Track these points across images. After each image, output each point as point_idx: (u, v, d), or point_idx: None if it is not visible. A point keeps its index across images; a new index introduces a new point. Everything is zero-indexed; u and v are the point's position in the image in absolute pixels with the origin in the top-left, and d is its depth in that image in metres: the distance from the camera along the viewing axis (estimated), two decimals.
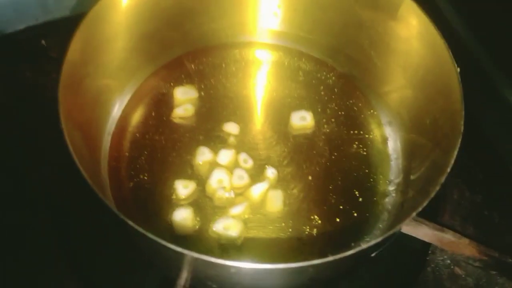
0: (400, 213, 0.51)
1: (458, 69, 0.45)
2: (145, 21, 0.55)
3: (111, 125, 0.56)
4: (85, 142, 0.47)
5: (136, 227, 0.36)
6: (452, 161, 0.40)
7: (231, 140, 0.57)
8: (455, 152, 0.40)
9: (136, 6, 0.52)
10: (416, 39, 0.51)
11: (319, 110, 0.60)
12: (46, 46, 0.66)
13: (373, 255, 0.42)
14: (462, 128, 0.42)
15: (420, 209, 0.38)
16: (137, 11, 0.53)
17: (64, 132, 0.41)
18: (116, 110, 0.57)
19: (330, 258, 0.34)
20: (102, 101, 0.54)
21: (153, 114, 0.58)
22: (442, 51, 0.46)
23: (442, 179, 0.39)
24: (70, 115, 0.43)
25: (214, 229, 0.50)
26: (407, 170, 0.54)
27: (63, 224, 0.52)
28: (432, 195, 0.38)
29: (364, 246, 0.36)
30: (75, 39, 0.45)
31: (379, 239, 0.37)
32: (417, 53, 0.51)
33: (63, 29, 0.66)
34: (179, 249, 0.36)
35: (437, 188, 0.39)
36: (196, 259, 0.36)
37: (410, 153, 0.54)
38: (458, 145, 0.41)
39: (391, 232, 0.38)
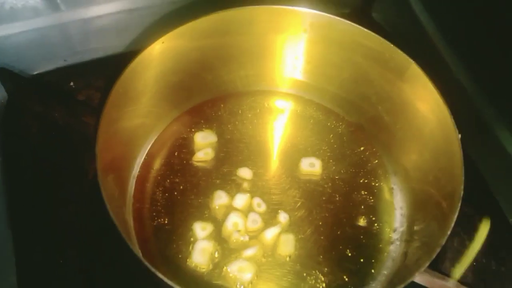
0: (404, 262, 0.54)
1: (459, 136, 0.48)
2: (171, 73, 0.59)
3: (136, 168, 0.60)
4: (114, 185, 0.51)
5: (161, 276, 0.39)
6: (451, 226, 0.43)
7: (245, 185, 0.61)
8: (454, 217, 0.44)
9: (166, 60, 0.57)
10: (421, 101, 0.55)
11: (329, 157, 0.64)
12: (74, 87, 0.70)
13: None
14: (462, 192, 0.45)
15: (426, 266, 0.41)
16: (165, 65, 0.57)
17: (98, 175, 0.45)
18: (141, 154, 0.61)
19: None
20: (130, 146, 0.58)
21: (174, 158, 0.62)
22: (445, 117, 0.50)
23: (443, 241, 0.42)
24: (103, 159, 0.47)
25: (228, 270, 0.53)
26: (411, 220, 0.57)
27: (89, 265, 0.55)
28: (433, 256, 0.42)
29: None
30: (113, 92, 0.49)
31: None
32: (422, 114, 0.55)
33: (90, 71, 0.72)
34: None
35: (438, 250, 0.42)
36: None
37: (414, 204, 0.58)
38: (457, 209, 0.44)
39: (406, 282, 0.41)
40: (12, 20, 0.73)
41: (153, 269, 0.39)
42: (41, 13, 0.74)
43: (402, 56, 0.54)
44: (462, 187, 0.45)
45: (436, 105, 0.51)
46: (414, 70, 0.53)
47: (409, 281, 0.44)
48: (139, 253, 0.41)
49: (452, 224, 0.43)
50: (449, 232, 0.43)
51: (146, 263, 0.39)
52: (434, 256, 0.44)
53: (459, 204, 0.45)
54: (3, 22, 0.72)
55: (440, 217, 0.49)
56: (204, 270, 0.53)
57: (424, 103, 0.54)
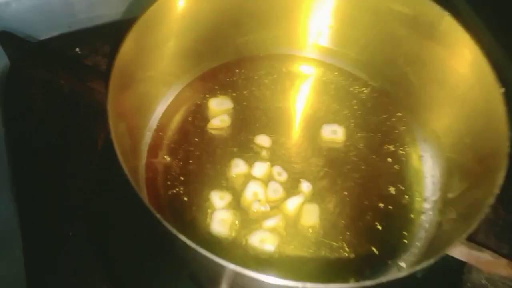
0: (438, 233, 0.50)
1: (503, 90, 0.44)
2: (182, 34, 0.55)
3: (148, 135, 0.56)
4: (128, 151, 0.47)
5: (179, 235, 0.36)
6: (499, 184, 0.39)
7: (264, 153, 0.57)
8: (502, 174, 0.40)
9: (175, 20, 0.53)
10: (456, 57, 0.50)
11: (352, 124, 0.60)
12: (80, 53, 0.67)
13: (419, 276, 0.42)
14: (508, 149, 0.41)
15: (467, 234, 0.38)
16: (175, 25, 0.54)
17: (113, 137, 0.41)
18: (153, 121, 0.57)
19: (383, 279, 0.34)
20: (140, 113, 0.54)
21: (188, 125, 0.58)
22: (485, 71, 0.46)
23: (491, 200, 0.39)
24: (116, 121, 0.43)
25: (250, 241, 0.50)
26: (444, 188, 0.53)
27: (101, 234, 0.52)
28: (482, 216, 0.38)
29: (417, 268, 0.36)
30: (124, 44, 0.46)
31: (431, 261, 0.36)
32: (456, 70, 0.51)
33: (95, 37, 0.69)
34: (220, 260, 0.36)
35: (486, 210, 0.38)
36: (236, 272, 0.36)
37: (447, 171, 0.54)
38: (505, 168, 0.40)
39: (441, 253, 0.37)
40: None
41: (174, 231, 0.35)
42: None
43: (434, 8, 0.50)
44: (508, 143, 0.41)
45: (474, 59, 0.47)
46: (449, 22, 0.49)
47: (445, 252, 0.40)
48: (161, 219, 0.37)
49: (498, 187, 0.39)
50: (497, 191, 0.39)
51: (166, 224, 0.35)
52: (474, 225, 0.40)
53: (506, 161, 0.41)
54: None
55: (480, 182, 0.45)
56: (224, 240, 0.50)
57: (459, 58, 0.50)
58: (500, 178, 0.40)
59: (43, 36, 0.68)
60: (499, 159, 0.41)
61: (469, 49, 0.48)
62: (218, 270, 0.38)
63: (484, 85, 0.47)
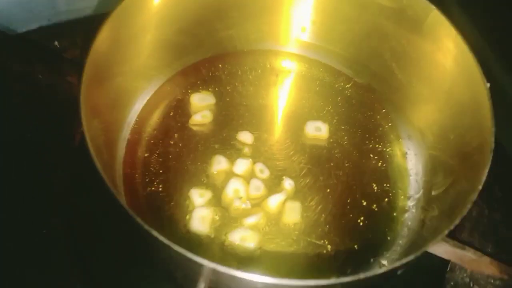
0: (421, 230, 0.50)
1: (488, 85, 0.44)
2: (162, 25, 0.54)
3: (126, 131, 0.55)
4: (103, 148, 0.46)
5: (154, 232, 0.35)
6: (483, 179, 0.39)
7: (246, 150, 0.56)
8: (486, 171, 0.39)
9: (155, 10, 0.52)
10: (442, 52, 0.50)
11: (336, 121, 0.60)
12: (59, 47, 0.65)
13: (399, 272, 0.41)
14: (493, 145, 0.41)
15: (452, 227, 0.37)
16: (155, 16, 0.52)
17: (85, 132, 0.41)
18: (131, 116, 0.56)
19: (361, 276, 0.33)
20: (118, 105, 0.53)
21: (168, 120, 0.57)
22: (471, 66, 0.45)
23: (473, 196, 0.38)
24: (90, 117, 0.42)
25: (230, 239, 0.49)
26: (428, 186, 0.53)
27: (77, 232, 0.51)
28: (464, 213, 0.37)
29: (397, 264, 0.35)
30: (99, 37, 0.45)
31: (411, 257, 0.35)
32: (443, 65, 0.50)
33: (75, 30, 0.67)
34: (198, 258, 0.35)
35: (468, 206, 0.38)
36: (214, 271, 0.35)
37: (431, 168, 0.53)
38: (489, 163, 0.40)
39: (419, 252, 0.37)
40: None
41: (147, 227, 0.33)
42: None
43: (421, 2, 0.49)
44: (493, 139, 0.41)
45: (460, 53, 0.47)
46: (435, 16, 0.49)
47: (426, 248, 0.39)
48: (134, 215, 0.35)
49: (484, 178, 0.39)
50: (480, 187, 0.38)
51: (141, 221, 0.34)
52: (456, 222, 0.39)
53: (490, 157, 0.40)
54: None
55: (466, 175, 0.44)
56: (204, 238, 0.49)
57: (446, 53, 0.49)
58: (484, 173, 0.40)
59: (22, 29, 0.67)
60: (484, 155, 0.41)
61: (456, 44, 0.47)
62: (196, 269, 0.37)
63: (470, 80, 0.46)
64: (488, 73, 0.63)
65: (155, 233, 0.34)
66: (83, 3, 0.70)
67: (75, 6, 0.70)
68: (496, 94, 0.63)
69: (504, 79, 0.65)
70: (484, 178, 0.39)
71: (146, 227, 0.34)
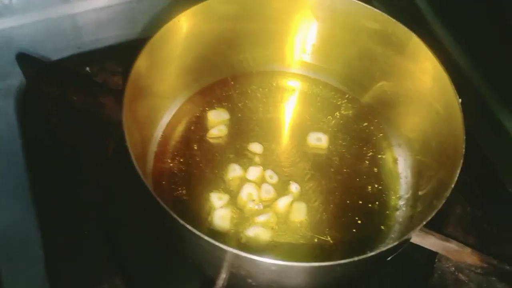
0: (410, 225, 0.57)
1: (460, 100, 0.52)
2: (184, 54, 0.62)
3: (154, 144, 0.63)
4: (139, 157, 0.54)
5: (186, 225, 0.42)
6: (455, 179, 0.46)
7: (257, 159, 0.64)
8: (458, 172, 0.47)
9: (180, 42, 0.60)
10: (423, 72, 0.58)
11: (335, 132, 0.67)
12: (90, 72, 0.73)
13: (389, 258, 0.48)
14: (463, 151, 0.48)
15: (429, 219, 0.45)
16: (179, 47, 0.60)
17: (127, 143, 0.47)
18: (158, 131, 0.64)
19: (356, 259, 0.41)
20: (147, 124, 0.61)
21: (189, 134, 0.65)
22: (446, 84, 0.53)
23: (447, 194, 0.45)
24: (130, 130, 0.50)
25: (246, 235, 0.57)
26: (415, 187, 0.60)
27: (113, 232, 0.59)
28: (439, 207, 0.45)
29: (383, 248, 0.43)
30: (135, 65, 0.52)
31: (396, 243, 0.43)
32: (424, 84, 0.58)
33: (103, 58, 0.75)
34: (221, 245, 0.42)
35: (443, 201, 0.45)
36: (237, 256, 0.43)
37: (418, 171, 0.61)
38: (460, 166, 0.47)
39: (404, 237, 0.44)
40: (26, 11, 0.76)
41: (181, 221, 0.41)
42: (52, 3, 0.77)
43: (403, 29, 0.57)
44: (463, 147, 0.49)
45: (436, 74, 0.54)
46: (415, 42, 0.57)
47: (408, 236, 0.46)
48: (169, 210, 0.44)
49: (455, 179, 0.46)
50: (452, 186, 0.46)
51: (174, 214, 0.42)
52: (433, 213, 0.46)
53: (461, 162, 0.48)
54: (17, 13, 0.76)
55: (443, 179, 0.52)
56: (224, 234, 0.57)
57: (425, 73, 0.57)
58: (456, 174, 0.47)
59: (55, 57, 0.74)
60: (456, 160, 0.48)
61: (433, 66, 0.55)
62: (220, 255, 0.44)
63: (446, 96, 0.54)
64: (469, 84, 0.71)
65: (188, 226, 0.42)
66: (107, 33, 0.78)
67: (100, 36, 0.78)
68: (478, 105, 0.72)
69: (483, 88, 0.73)
70: (455, 178, 0.46)
71: (181, 221, 0.42)
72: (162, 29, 0.55)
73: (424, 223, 0.45)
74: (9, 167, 0.64)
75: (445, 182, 0.49)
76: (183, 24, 0.57)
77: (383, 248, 0.43)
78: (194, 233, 0.41)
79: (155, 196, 0.43)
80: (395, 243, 0.43)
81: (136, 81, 0.53)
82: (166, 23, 0.55)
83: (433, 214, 0.45)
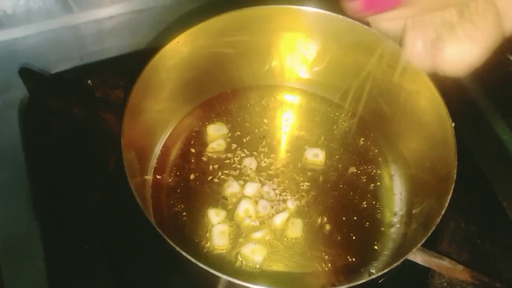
0: (404, 242, 0.59)
1: (453, 124, 0.53)
2: (184, 70, 0.63)
3: (153, 159, 0.64)
4: (137, 172, 0.55)
5: (181, 251, 0.43)
6: (446, 205, 0.47)
7: (254, 174, 0.65)
8: (449, 197, 0.48)
9: (180, 59, 0.60)
10: (417, 93, 0.58)
11: (332, 147, 0.68)
12: (92, 85, 0.74)
13: (380, 281, 0.50)
14: (455, 176, 0.49)
15: (422, 242, 0.46)
16: (180, 64, 0.61)
17: (124, 162, 0.49)
18: (158, 146, 0.65)
19: (352, 285, 0.42)
20: (148, 138, 0.62)
21: (188, 149, 0.66)
22: (440, 108, 0.54)
23: (437, 220, 0.47)
24: (127, 147, 0.51)
25: (242, 251, 0.58)
26: (410, 204, 0.61)
27: (113, 247, 0.60)
28: (429, 233, 0.46)
29: (377, 274, 0.44)
30: (137, 83, 0.53)
31: (392, 266, 0.45)
32: (419, 105, 0.59)
33: (106, 69, 0.76)
34: (216, 272, 0.44)
35: (433, 227, 0.46)
36: (232, 283, 0.44)
37: (413, 189, 0.62)
38: (451, 192, 0.48)
39: (400, 261, 0.45)
40: (28, 22, 0.78)
41: (177, 248, 0.43)
42: (55, 14, 0.78)
43: (398, 49, 0.58)
44: (455, 170, 0.50)
45: (431, 97, 0.55)
46: (411, 66, 0.57)
47: (405, 257, 0.48)
48: (162, 235, 0.45)
49: (446, 204, 0.47)
50: (443, 211, 0.47)
51: (170, 241, 0.43)
52: (429, 233, 0.48)
53: (453, 186, 0.49)
54: (20, 24, 0.77)
55: (436, 199, 0.53)
56: (222, 250, 0.58)
57: (420, 95, 0.58)
58: (446, 201, 0.48)
59: (58, 68, 0.75)
60: (448, 184, 0.49)
61: (427, 88, 0.56)
62: (215, 279, 0.46)
63: (439, 119, 0.54)
64: (465, 95, 0.71)
65: (182, 252, 0.43)
66: (111, 43, 0.80)
67: (102, 47, 0.79)
68: (474, 119, 0.73)
69: (480, 101, 0.74)
70: (446, 204, 0.47)
71: (177, 248, 0.43)
72: (162, 50, 0.55)
73: (419, 245, 0.46)
74: (12, 177, 0.66)
75: (438, 204, 0.50)
76: (183, 44, 0.58)
77: (378, 274, 0.44)
78: (189, 259, 0.43)
79: (156, 227, 0.44)
80: (391, 267, 0.44)
81: (135, 103, 0.54)
82: (165, 45, 0.56)
83: (425, 238, 0.46)
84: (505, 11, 0.34)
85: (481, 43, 0.34)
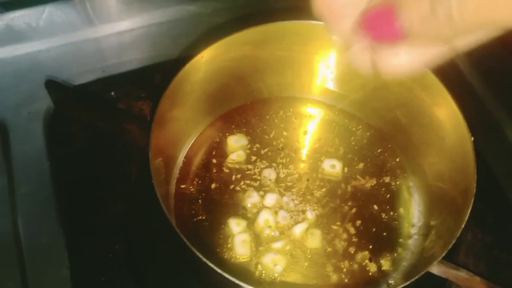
0: (422, 254, 0.59)
1: (472, 138, 0.54)
2: (207, 84, 0.65)
3: (176, 170, 0.66)
4: (163, 182, 0.57)
5: (211, 264, 0.45)
6: (466, 219, 0.48)
7: (274, 185, 0.66)
8: (468, 211, 0.48)
9: (203, 73, 0.62)
10: (436, 107, 0.59)
11: (350, 158, 0.69)
12: (115, 96, 0.76)
13: None
14: (474, 191, 0.50)
15: (442, 256, 0.47)
16: (202, 77, 0.63)
17: (152, 171, 0.50)
18: (181, 157, 0.67)
19: None
20: (171, 150, 0.64)
21: (209, 159, 0.68)
22: (459, 122, 0.55)
23: (457, 233, 0.47)
24: (155, 156, 0.53)
25: (263, 261, 0.59)
26: (428, 216, 0.62)
27: (137, 255, 0.62)
28: (449, 247, 0.47)
29: (401, 285, 0.45)
30: (163, 97, 0.55)
31: (413, 279, 0.46)
32: (437, 119, 0.60)
33: (128, 81, 0.78)
34: (238, 281, 0.45)
35: (453, 241, 0.47)
36: None
37: (431, 201, 0.63)
38: (470, 206, 0.49)
39: (420, 274, 0.46)
40: (52, 35, 0.80)
41: (201, 256, 0.44)
42: (77, 27, 0.81)
43: None
44: (475, 184, 0.51)
45: (450, 111, 0.56)
46: (430, 77, 0.58)
47: (426, 271, 0.49)
48: (186, 241, 0.46)
49: (466, 218, 0.48)
50: (463, 226, 0.48)
51: (194, 249, 0.45)
52: (449, 248, 0.49)
53: (472, 200, 0.49)
54: (44, 37, 0.80)
55: (455, 212, 0.54)
56: (244, 261, 0.59)
57: (439, 108, 0.59)
58: (466, 214, 0.49)
59: (81, 80, 0.77)
60: (467, 198, 0.50)
61: (446, 102, 0.57)
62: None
63: (458, 133, 0.55)
64: (482, 107, 0.72)
65: (207, 261, 0.45)
66: (132, 55, 0.81)
67: (123, 59, 0.81)
68: (490, 129, 0.73)
69: (496, 112, 0.75)
70: (466, 218, 0.48)
71: (202, 257, 0.45)
72: (186, 66, 0.57)
73: (439, 259, 0.47)
74: (37, 187, 0.68)
75: (457, 217, 0.51)
76: (206, 60, 0.60)
77: (401, 285, 0.45)
78: (216, 271, 0.44)
79: (183, 238, 0.46)
80: (411, 280, 0.45)
81: (162, 113, 0.56)
82: (189, 59, 0.58)
83: (449, 247, 0.47)
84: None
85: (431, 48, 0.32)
